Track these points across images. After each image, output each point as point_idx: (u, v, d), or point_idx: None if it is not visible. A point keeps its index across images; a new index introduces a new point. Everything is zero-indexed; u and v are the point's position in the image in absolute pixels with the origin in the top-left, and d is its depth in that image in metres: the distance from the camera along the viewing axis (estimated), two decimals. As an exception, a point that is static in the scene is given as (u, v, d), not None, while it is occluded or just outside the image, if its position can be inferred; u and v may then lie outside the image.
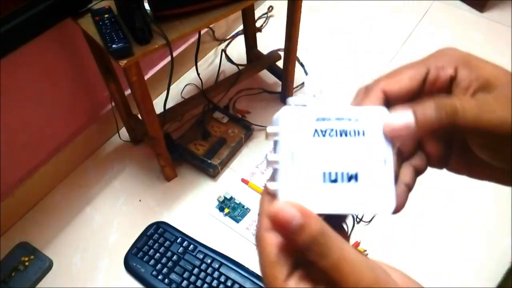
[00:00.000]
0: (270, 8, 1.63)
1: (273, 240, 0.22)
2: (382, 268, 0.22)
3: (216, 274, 0.96)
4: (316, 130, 0.23)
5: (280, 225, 0.21)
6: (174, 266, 0.99)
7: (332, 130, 0.23)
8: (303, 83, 1.38)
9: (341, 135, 0.23)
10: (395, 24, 1.57)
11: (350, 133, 0.23)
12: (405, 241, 1.04)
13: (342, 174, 0.23)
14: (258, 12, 1.59)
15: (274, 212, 0.21)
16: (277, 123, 0.24)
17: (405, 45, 1.49)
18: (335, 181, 0.23)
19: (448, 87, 0.25)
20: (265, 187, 0.24)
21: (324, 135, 0.23)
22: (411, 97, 0.26)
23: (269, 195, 0.24)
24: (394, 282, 0.22)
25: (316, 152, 0.23)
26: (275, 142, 0.24)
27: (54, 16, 0.86)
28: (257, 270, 0.98)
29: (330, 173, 0.23)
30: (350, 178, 0.23)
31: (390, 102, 0.26)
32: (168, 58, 1.19)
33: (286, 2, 1.04)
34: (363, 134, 0.24)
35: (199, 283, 0.96)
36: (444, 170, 0.29)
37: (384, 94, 0.26)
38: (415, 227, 1.06)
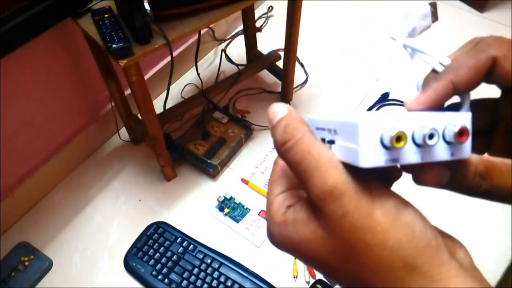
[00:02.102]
0: (270, 8, 1.63)
1: (280, 164, 0.25)
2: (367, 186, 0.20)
3: (216, 274, 0.97)
4: (322, 139, 0.26)
5: (269, 120, 0.23)
6: (174, 266, 0.99)
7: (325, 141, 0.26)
8: (304, 82, 1.38)
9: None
10: (395, 24, 1.57)
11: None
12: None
13: None
14: (258, 12, 1.59)
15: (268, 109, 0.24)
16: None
17: (405, 45, 1.49)
18: None
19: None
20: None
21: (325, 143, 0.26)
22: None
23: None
24: (359, 193, 0.20)
25: None
26: None
27: (54, 16, 0.86)
28: (257, 270, 0.98)
29: None
30: None
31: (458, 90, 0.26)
32: (168, 58, 1.19)
33: (286, 2, 1.04)
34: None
35: (199, 283, 0.96)
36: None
37: (452, 85, 0.25)
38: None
